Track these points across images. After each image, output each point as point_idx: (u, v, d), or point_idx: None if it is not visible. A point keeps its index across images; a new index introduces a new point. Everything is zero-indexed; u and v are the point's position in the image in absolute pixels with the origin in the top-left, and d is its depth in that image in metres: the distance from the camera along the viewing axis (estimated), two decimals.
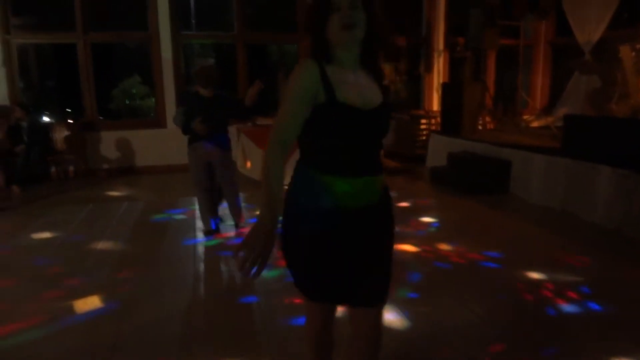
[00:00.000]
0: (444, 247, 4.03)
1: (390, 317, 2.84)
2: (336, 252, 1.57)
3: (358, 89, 1.54)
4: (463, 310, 2.93)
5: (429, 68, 8.60)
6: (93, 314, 2.97)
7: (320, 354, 1.86)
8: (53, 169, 7.11)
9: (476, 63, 7.14)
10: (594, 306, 2.93)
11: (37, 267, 3.75)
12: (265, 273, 1.73)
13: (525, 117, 8.18)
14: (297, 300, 2.98)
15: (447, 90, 7.31)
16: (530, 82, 8.99)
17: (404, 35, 8.59)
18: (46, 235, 4.57)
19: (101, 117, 7.90)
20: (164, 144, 7.19)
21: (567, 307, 2.93)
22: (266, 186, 1.47)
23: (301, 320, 2.68)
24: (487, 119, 8.13)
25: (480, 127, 7.71)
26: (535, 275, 3.41)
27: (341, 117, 1.49)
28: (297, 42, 8.28)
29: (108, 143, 7.49)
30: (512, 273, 3.45)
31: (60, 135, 7.25)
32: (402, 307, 2.95)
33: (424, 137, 8.21)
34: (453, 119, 7.06)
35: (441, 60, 8.56)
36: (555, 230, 4.47)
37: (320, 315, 1.75)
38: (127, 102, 12.19)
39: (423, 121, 8.43)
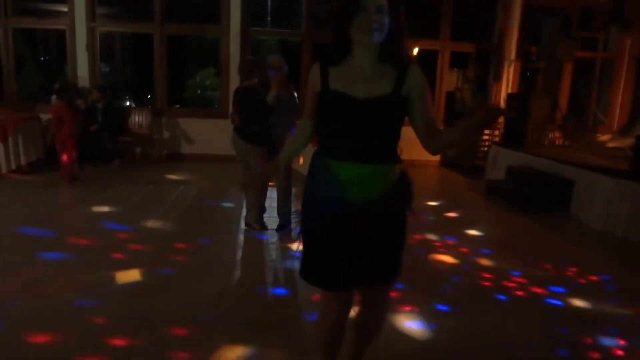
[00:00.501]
0: (485, 262, 3.87)
1: (414, 326, 2.78)
2: (342, 237, 1.68)
3: (357, 80, 1.65)
4: (493, 329, 2.80)
5: (498, 77, 8.26)
6: (130, 286, 3.14)
7: (328, 350, 1.91)
8: (122, 150, 7.58)
9: (548, 75, 6.75)
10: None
11: (87, 237, 4.03)
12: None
13: (599, 135, 7.65)
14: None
15: (512, 101, 6.99)
16: (608, 99, 8.39)
17: (473, 41, 8.32)
18: (104, 209, 4.90)
19: (177, 105, 8.27)
20: (225, 134, 7.43)
21: (607, 341, 2.71)
22: (282, 151, 1.95)
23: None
24: (556, 134, 7.70)
25: (547, 143, 7.31)
26: (578, 303, 3.19)
27: (332, 102, 1.66)
28: None
29: (175, 130, 7.88)
30: (555, 299, 3.25)
31: (132, 119, 7.73)
32: (429, 318, 2.87)
33: (485, 148, 7.93)
34: (517, 131, 6.74)
35: (511, 69, 8.19)
36: (612, 257, 4.15)
37: (332, 305, 1.80)
38: (199, 92, 12.76)
39: (486, 131, 8.12)
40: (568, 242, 4.56)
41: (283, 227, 4.35)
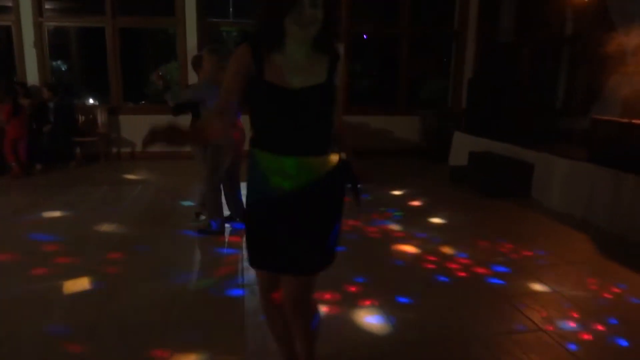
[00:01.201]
0: (447, 250, 3.85)
1: (374, 320, 2.73)
2: (266, 222, 1.73)
3: (291, 70, 1.63)
4: (453, 318, 2.77)
5: (459, 59, 8.28)
6: (78, 295, 2.98)
7: (273, 325, 2.02)
8: (77, 150, 7.28)
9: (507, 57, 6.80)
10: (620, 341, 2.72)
11: (35, 243, 3.82)
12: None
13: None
14: None
15: (474, 86, 7.02)
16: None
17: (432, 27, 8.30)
18: (56, 214, 4.67)
19: (142, 102, 7.97)
20: None
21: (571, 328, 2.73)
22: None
23: None
24: None
25: None
26: (538, 287, 3.20)
27: (265, 93, 1.62)
28: None
29: (130, 127, 7.61)
30: (516, 283, 3.26)
31: (85, 117, 7.42)
32: (389, 311, 2.82)
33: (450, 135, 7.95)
34: (478, 116, 6.77)
35: (471, 52, 8.21)
36: (570, 240, 4.21)
37: (262, 283, 1.92)
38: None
39: (449, 117, 8.16)
40: (528, 225, 4.60)
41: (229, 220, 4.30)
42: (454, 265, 3.55)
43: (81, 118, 7.41)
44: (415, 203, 5.31)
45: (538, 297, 3.04)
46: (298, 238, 1.72)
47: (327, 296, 2.97)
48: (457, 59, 8.35)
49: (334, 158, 1.74)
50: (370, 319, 2.74)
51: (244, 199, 4.03)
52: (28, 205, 4.95)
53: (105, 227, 4.28)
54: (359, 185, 1.93)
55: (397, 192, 5.75)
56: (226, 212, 4.24)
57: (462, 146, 6.89)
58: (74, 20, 7.77)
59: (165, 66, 11.83)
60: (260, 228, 1.75)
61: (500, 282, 3.28)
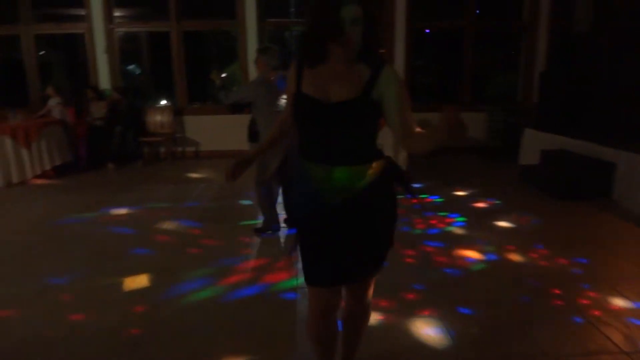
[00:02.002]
0: (515, 257, 3.57)
1: (432, 332, 2.55)
2: (320, 235, 1.71)
3: (329, 83, 1.65)
4: (520, 336, 2.53)
5: (529, 52, 7.76)
6: (130, 294, 3.05)
7: (320, 345, 1.91)
8: (145, 150, 7.59)
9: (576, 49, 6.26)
10: None
11: (101, 240, 3.98)
12: None
13: None
14: None
15: (546, 80, 6.54)
16: None
17: (501, 18, 7.83)
18: (123, 211, 4.86)
19: (205, 102, 8.22)
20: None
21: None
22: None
23: None
24: None
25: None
26: (620, 302, 2.86)
27: (304, 106, 1.68)
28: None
29: (195, 126, 7.83)
30: (594, 297, 2.94)
31: (153, 118, 7.72)
32: (449, 323, 2.63)
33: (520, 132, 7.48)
34: (551, 111, 6.30)
35: (544, 45, 7.68)
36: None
37: (317, 303, 1.79)
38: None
39: (519, 113, 7.67)
40: (607, 230, 4.18)
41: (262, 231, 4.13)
42: (523, 275, 3.27)
43: (149, 119, 7.71)
44: (481, 205, 5.00)
45: (620, 314, 2.72)
46: (357, 245, 1.71)
47: (383, 303, 2.83)
48: (528, 52, 7.84)
49: (380, 164, 1.71)
50: (427, 331, 2.56)
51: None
52: (99, 201, 5.20)
53: (168, 225, 4.38)
54: (410, 184, 1.86)
55: (461, 193, 5.46)
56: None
57: (533, 144, 6.44)
58: (141, 25, 8.09)
59: (228, 67, 12.14)
60: (313, 240, 1.73)
61: (576, 295, 2.97)
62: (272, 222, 4.09)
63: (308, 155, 1.71)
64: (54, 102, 7.00)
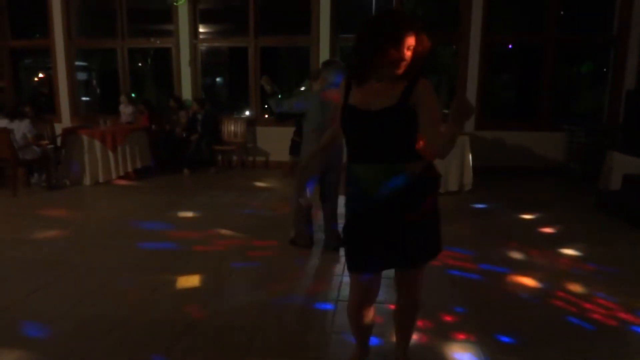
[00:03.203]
0: (575, 288, 3.31)
1: (464, 357, 2.45)
2: (370, 228, 1.96)
3: (371, 96, 1.90)
4: None
5: (617, 68, 7.20)
6: (180, 292, 3.24)
7: (358, 330, 2.22)
8: (219, 157, 8.02)
9: None
10: None
11: (160, 239, 4.27)
12: None
13: None
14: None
15: (632, 99, 6.02)
16: None
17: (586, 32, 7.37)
18: (189, 214, 5.18)
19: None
20: None
21: None
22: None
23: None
24: None
25: None
26: None
27: (348, 115, 1.96)
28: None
29: (266, 137, 8.14)
30: None
31: (228, 128, 8.14)
32: (487, 350, 2.51)
33: (602, 154, 6.94)
34: (637, 133, 5.79)
35: (635, 61, 7.08)
36: None
37: (356, 291, 2.08)
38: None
39: (603, 134, 7.12)
40: None
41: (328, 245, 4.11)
42: (584, 307, 3.03)
43: (224, 128, 8.14)
44: (547, 230, 4.70)
45: None
46: (404, 235, 1.94)
47: (419, 323, 2.76)
48: (616, 68, 7.27)
49: (416, 165, 1.91)
50: (460, 356, 2.47)
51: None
52: (169, 204, 5.57)
53: (222, 231, 4.59)
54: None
55: (527, 216, 5.17)
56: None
57: (616, 168, 5.94)
58: (222, 41, 8.60)
59: (303, 82, 12.46)
60: (368, 234, 1.97)
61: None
62: (300, 237, 4.10)
63: (353, 157, 1.98)
64: (127, 110, 7.73)
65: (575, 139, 7.20)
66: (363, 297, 2.07)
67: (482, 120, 7.64)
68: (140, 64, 10.52)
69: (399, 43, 1.78)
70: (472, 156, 6.35)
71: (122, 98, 8.00)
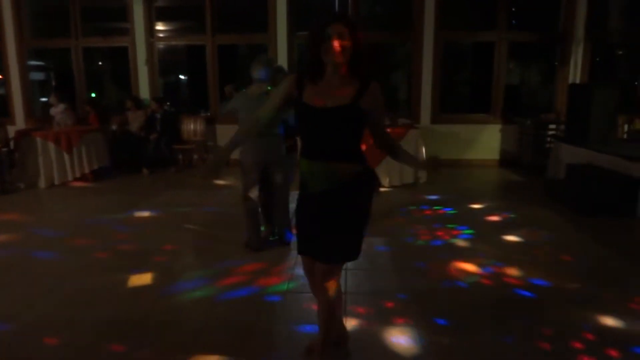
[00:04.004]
0: (513, 272, 3.51)
1: (401, 341, 2.58)
2: (303, 217, 2.16)
3: (324, 93, 2.00)
4: (491, 353, 2.52)
5: (564, 63, 7.54)
6: (134, 289, 3.27)
7: (313, 289, 2.37)
8: (179, 157, 7.98)
9: (610, 60, 6.02)
10: None
11: (119, 239, 4.27)
12: None
13: None
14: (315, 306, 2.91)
15: (575, 92, 6.33)
16: None
17: (535, 30, 7.68)
18: (145, 214, 5.17)
19: None
20: None
21: None
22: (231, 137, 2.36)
23: (308, 328, 2.69)
24: (636, 126, 6.86)
25: (623, 137, 6.55)
26: (608, 321, 2.77)
27: (301, 112, 2.06)
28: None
29: (227, 136, 8.14)
30: (590, 316, 2.86)
31: (187, 127, 8.11)
32: (422, 332, 2.66)
33: (550, 145, 7.27)
34: (579, 125, 6.09)
35: (579, 53, 7.43)
36: None
37: (305, 264, 2.31)
38: None
39: (551, 126, 7.46)
40: (623, 254, 4.01)
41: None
42: (515, 291, 3.22)
43: (183, 127, 8.11)
44: (493, 218, 4.93)
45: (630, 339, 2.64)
46: (325, 232, 2.07)
47: (360, 310, 2.89)
48: (562, 63, 7.61)
49: (354, 166, 2.03)
50: (398, 339, 2.60)
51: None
52: (128, 204, 5.54)
53: (178, 230, 4.62)
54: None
55: (476, 206, 5.39)
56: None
57: (562, 158, 6.25)
58: (179, 39, 8.55)
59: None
60: (301, 221, 2.17)
61: (575, 311, 2.90)
62: (251, 240, 4.03)
63: (302, 151, 2.11)
64: (56, 110, 7.40)
65: (525, 131, 7.51)
66: (306, 268, 2.29)
67: (437, 115, 7.86)
68: (100, 63, 10.35)
69: (326, 34, 1.90)
70: (427, 149, 6.55)
71: (51, 99, 7.56)
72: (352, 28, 1.94)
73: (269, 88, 3.86)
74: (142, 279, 3.46)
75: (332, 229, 2.06)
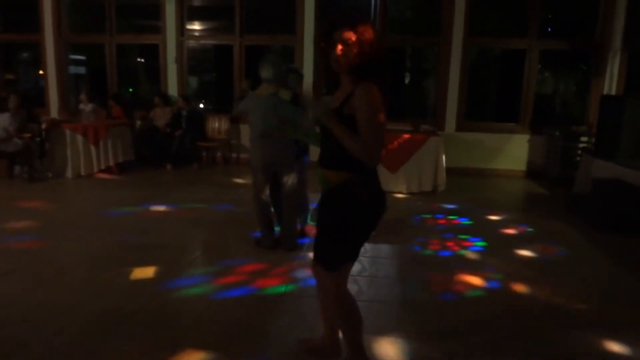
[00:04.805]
0: (519, 288, 3.38)
1: (391, 353, 2.52)
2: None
3: (335, 98, 2.03)
4: None
5: (598, 72, 7.24)
6: (133, 282, 3.33)
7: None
8: (203, 154, 8.11)
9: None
10: None
11: (131, 231, 4.36)
12: None
13: None
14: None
15: (607, 104, 6.06)
16: None
17: (570, 38, 7.42)
18: (161, 208, 5.27)
19: None
20: None
21: None
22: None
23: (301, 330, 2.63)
24: None
25: None
26: (616, 348, 2.63)
27: None
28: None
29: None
30: (594, 339, 2.72)
31: (212, 124, 8.23)
32: (413, 347, 2.58)
33: (580, 158, 6.99)
34: (610, 138, 5.82)
35: (616, 64, 7.12)
36: None
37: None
38: None
39: (582, 139, 7.17)
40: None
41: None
42: (518, 308, 3.10)
43: (208, 125, 8.23)
44: (509, 231, 4.77)
45: None
46: (317, 230, 2.12)
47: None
48: (596, 74, 7.31)
49: (340, 175, 1.97)
50: (387, 353, 2.54)
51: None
52: (145, 198, 5.67)
53: (189, 225, 4.69)
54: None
55: (493, 217, 5.23)
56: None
57: (591, 172, 5.99)
58: (208, 38, 8.69)
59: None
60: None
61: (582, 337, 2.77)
62: (263, 239, 4.05)
63: None
64: (87, 108, 7.35)
65: (553, 143, 7.25)
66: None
67: (463, 122, 7.70)
68: (142, 60, 10.63)
69: (331, 39, 1.89)
70: (448, 157, 6.43)
71: (82, 96, 7.64)
72: (361, 32, 1.87)
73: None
74: (144, 272, 3.52)
75: (320, 229, 2.10)
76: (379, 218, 2.03)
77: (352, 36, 1.86)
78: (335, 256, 2.05)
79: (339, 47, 1.86)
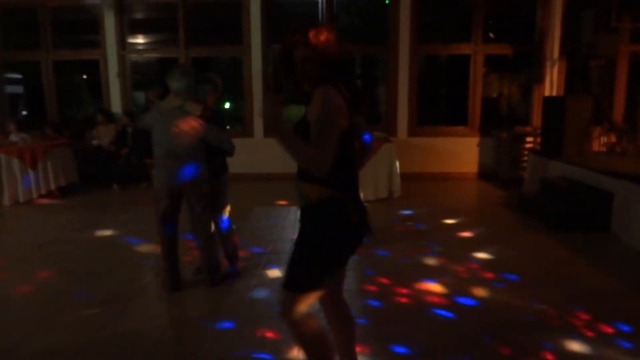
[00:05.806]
0: (478, 292, 3.38)
1: None
2: None
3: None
4: None
5: (539, 79, 7.52)
6: (85, 315, 3.09)
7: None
8: (152, 172, 7.77)
9: (584, 73, 6.01)
10: None
11: (76, 260, 4.07)
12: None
13: None
14: (269, 334, 2.76)
15: (549, 105, 6.29)
16: None
17: (510, 43, 7.68)
18: (107, 233, 4.97)
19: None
20: (263, 153, 7.39)
21: None
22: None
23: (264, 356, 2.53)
24: (609, 140, 6.83)
25: (595, 150, 6.51)
26: (576, 347, 2.65)
27: None
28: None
29: None
30: (557, 340, 2.73)
31: None
32: None
33: (527, 158, 7.23)
34: (554, 137, 6.04)
35: (555, 70, 7.43)
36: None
37: None
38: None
39: (528, 139, 7.42)
40: (596, 269, 3.90)
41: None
42: (479, 311, 3.09)
43: None
44: (465, 234, 4.81)
45: None
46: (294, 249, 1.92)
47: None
48: (537, 77, 7.60)
49: (317, 190, 1.80)
50: None
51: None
52: (90, 222, 5.34)
53: (138, 249, 4.44)
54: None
55: (449, 221, 5.27)
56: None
57: (537, 171, 6.18)
58: (152, 51, 8.41)
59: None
60: None
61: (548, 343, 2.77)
62: (166, 277, 3.48)
63: None
64: (17, 139, 6.68)
65: (502, 144, 7.46)
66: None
67: (414, 128, 7.80)
68: (85, 76, 10.15)
69: (287, 47, 1.82)
70: (402, 163, 6.46)
71: (11, 127, 7.00)
72: (310, 31, 1.77)
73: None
74: (93, 303, 3.27)
75: (294, 248, 1.91)
76: (363, 238, 1.89)
77: (310, 54, 1.76)
78: (307, 277, 1.84)
79: (303, 65, 1.78)
